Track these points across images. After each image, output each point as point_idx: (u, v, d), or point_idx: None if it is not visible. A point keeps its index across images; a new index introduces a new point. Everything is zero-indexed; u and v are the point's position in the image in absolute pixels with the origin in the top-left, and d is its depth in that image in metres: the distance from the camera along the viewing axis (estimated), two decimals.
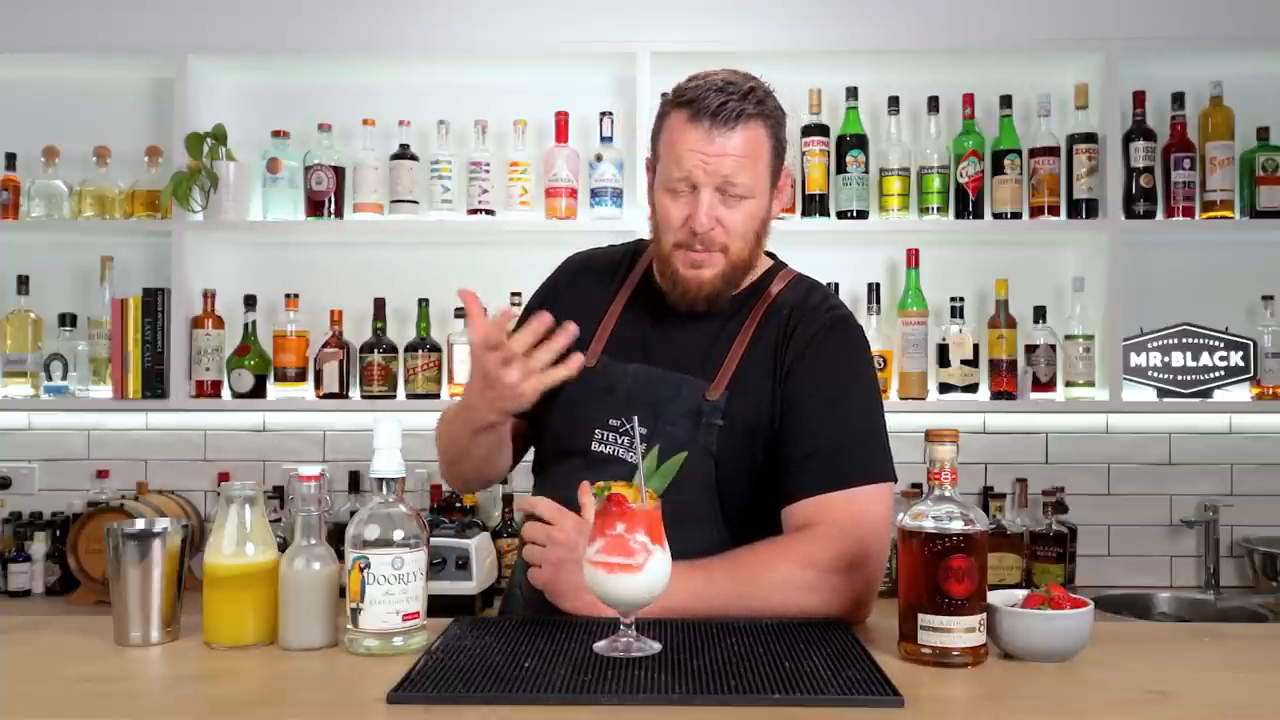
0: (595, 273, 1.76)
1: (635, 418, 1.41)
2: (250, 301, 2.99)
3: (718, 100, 1.51)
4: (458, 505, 2.92)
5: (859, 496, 1.50)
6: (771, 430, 1.56)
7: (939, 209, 2.94)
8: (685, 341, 1.63)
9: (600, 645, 1.26)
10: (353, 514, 1.36)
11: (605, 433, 1.59)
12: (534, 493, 1.62)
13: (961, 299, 2.94)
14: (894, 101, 2.99)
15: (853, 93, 2.98)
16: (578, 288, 1.74)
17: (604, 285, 1.73)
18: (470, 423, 1.58)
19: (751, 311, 1.64)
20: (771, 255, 1.73)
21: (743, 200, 1.55)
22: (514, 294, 2.82)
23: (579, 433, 1.61)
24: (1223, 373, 2.97)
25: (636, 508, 1.25)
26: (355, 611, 1.28)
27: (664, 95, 1.62)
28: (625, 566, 1.23)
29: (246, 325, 2.98)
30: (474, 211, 2.97)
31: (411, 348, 2.96)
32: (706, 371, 1.60)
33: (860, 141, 2.95)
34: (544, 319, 1.48)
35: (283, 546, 1.35)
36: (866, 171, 2.95)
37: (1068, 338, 2.94)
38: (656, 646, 1.25)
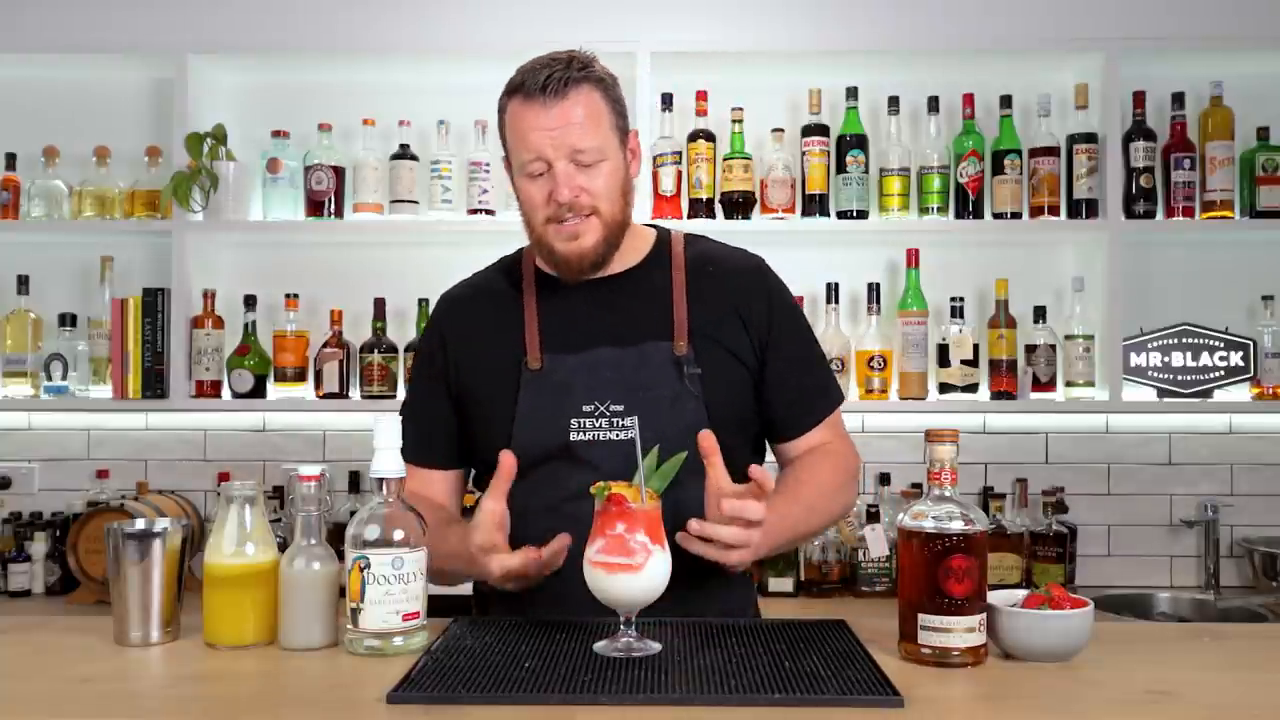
0: (484, 293, 1.75)
1: (635, 420, 1.40)
2: (250, 301, 2.99)
3: (544, 75, 1.56)
4: None
5: (838, 416, 1.75)
6: (753, 375, 1.66)
7: (939, 209, 2.94)
8: (620, 315, 1.65)
9: (600, 645, 1.26)
10: (353, 514, 1.36)
11: (581, 420, 1.59)
12: (511, 502, 1.54)
13: (961, 299, 2.94)
14: (894, 101, 2.99)
15: (853, 93, 2.98)
16: (473, 313, 1.72)
17: (501, 297, 1.72)
18: (457, 577, 1.60)
19: (671, 270, 1.68)
20: (654, 226, 1.78)
21: (598, 164, 1.58)
22: None
23: (551, 431, 1.59)
24: (1223, 373, 2.97)
25: (636, 508, 1.26)
26: (355, 611, 1.28)
27: (500, 96, 1.64)
28: (625, 566, 1.24)
29: (246, 325, 2.98)
30: (474, 211, 2.97)
31: (411, 348, 2.96)
32: (659, 334, 1.63)
33: (860, 141, 2.95)
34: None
35: (283, 546, 1.35)
36: (866, 171, 2.95)
37: (1068, 338, 2.94)
38: (656, 647, 1.25)
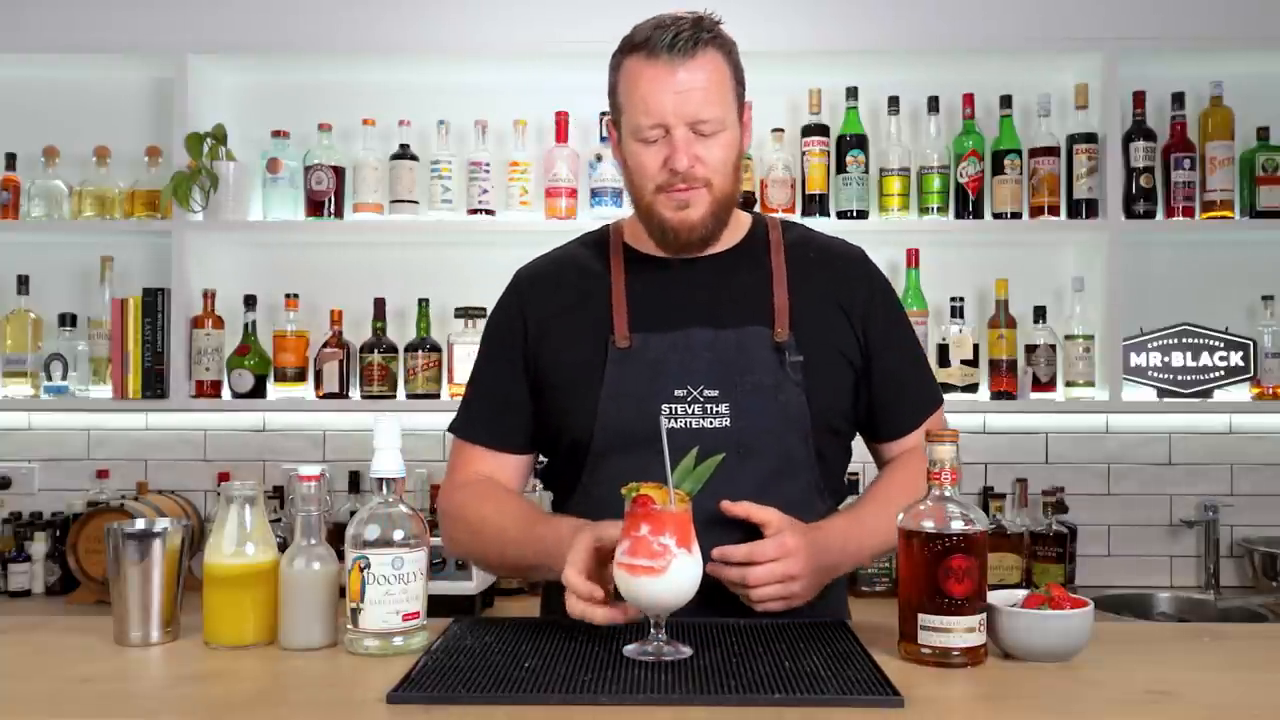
0: (567, 268, 1.66)
1: (665, 423, 1.37)
2: (250, 301, 2.99)
3: (670, 34, 1.48)
4: None
5: (940, 416, 1.69)
6: (855, 366, 1.60)
7: (939, 209, 2.94)
8: (717, 296, 1.58)
9: (630, 649, 1.24)
10: (353, 514, 1.36)
11: (672, 406, 1.51)
12: (591, 490, 1.53)
13: (961, 299, 2.94)
14: (894, 101, 2.99)
15: (853, 93, 2.98)
16: (556, 287, 1.64)
17: (586, 272, 1.64)
18: (535, 574, 1.56)
19: (769, 255, 1.62)
20: (747, 209, 1.73)
21: (716, 134, 1.51)
22: None
23: (640, 414, 1.50)
24: (1223, 373, 2.97)
25: (662, 509, 1.23)
26: (355, 611, 1.28)
27: (614, 53, 1.57)
28: (648, 569, 1.21)
29: (246, 325, 2.98)
30: (474, 211, 2.97)
31: (411, 348, 2.96)
32: (758, 319, 1.56)
33: (860, 141, 2.95)
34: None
35: (283, 546, 1.35)
36: (866, 171, 2.95)
37: (1068, 338, 2.94)
38: (688, 651, 1.24)
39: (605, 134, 2.96)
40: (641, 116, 1.51)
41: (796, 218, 2.94)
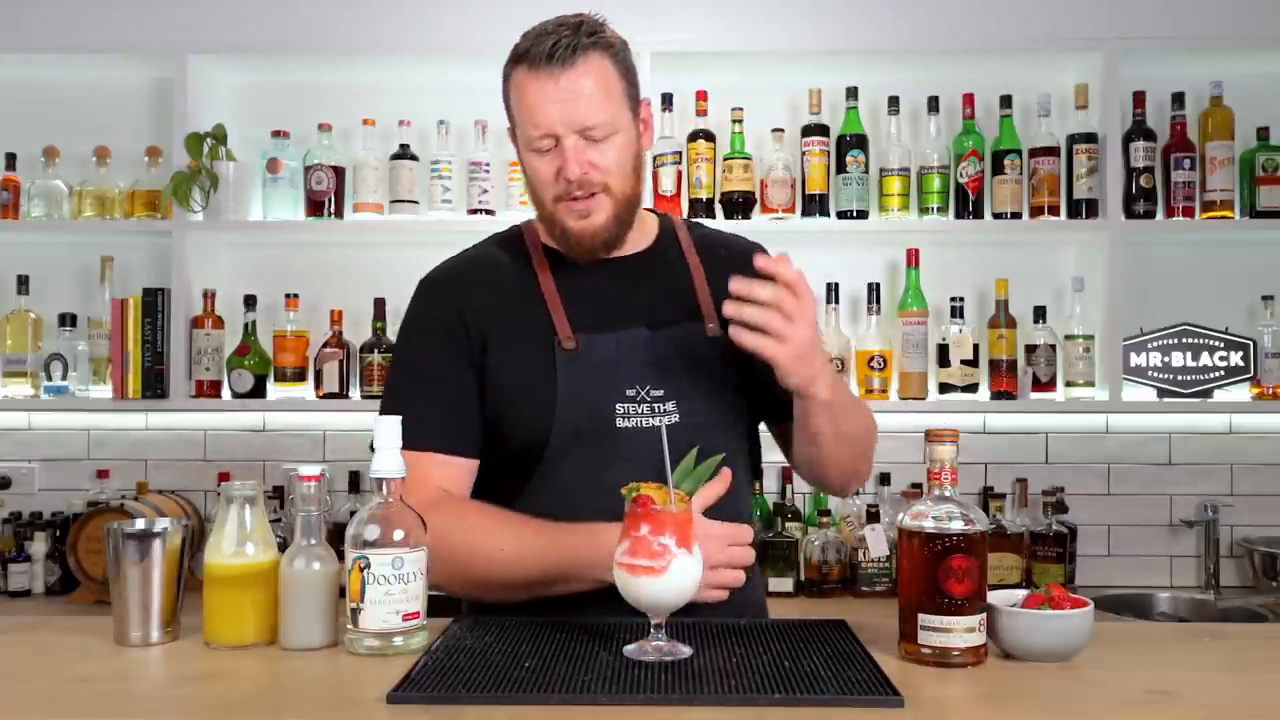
0: (486, 267, 1.63)
1: (664, 427, 1.36)
2: (250, 301, 2.99)
3: (550, 42, 1.47)
4: None
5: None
6: None
7: (939, 209, 2.94)
8: (648, 296, 1.59)
9: (631, 649, 1.24)
10: (353, 514, 1.35)
11: (626, 405, 1.52)
12: (541, 494, 1.51)
13: (961, 299, 2.94)
14: (894, 101, 2.99)
15: (853, 93, 2.98)
16: (484, 286, 1.60)
17: (507, 272, 1.61)
18: (555, 588, 1.47)
19: (682, 254, 1.65)
20: (651, 210, 1.72)
21: (608, 138, 1.50)
22: None
23: (596, 416, 1.51)
24: (1223, 373, 2.97)
25: (662, 510, 1.23)
26: (355, 611, 1.27)
27: (505, 63, 1.55)
28: (648, 569, 1.21)
29: (246, 325, 2.98)
30: (474, 211, 2.97)
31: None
32: (689, 315, 1.59)
33: (860, 141, 2.95)
34: None
35: (283, 546, 1.35)
36: (866, 171, 2.95)
37: (1068, 338, 2.94)
38: (687, 651, 1.24)
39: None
40: (531, 128, 1.50)
41: (797, 218, 2.94)
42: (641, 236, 1.64)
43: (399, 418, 1.33)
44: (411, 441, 1.38)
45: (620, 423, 1.52)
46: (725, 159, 2.95)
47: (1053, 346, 2.94)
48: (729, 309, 1.39)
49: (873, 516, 2.85)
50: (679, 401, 1.53)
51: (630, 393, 1.53)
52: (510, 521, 1.48)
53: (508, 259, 1.64)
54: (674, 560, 1.22)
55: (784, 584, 2.84)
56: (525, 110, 1.51)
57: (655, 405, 1.53)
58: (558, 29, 1.49)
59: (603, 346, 1.54)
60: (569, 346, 1.53)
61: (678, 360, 1.55)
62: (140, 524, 1.37)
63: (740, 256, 1.66)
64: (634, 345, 1.55)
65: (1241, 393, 2.99)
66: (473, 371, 1.56)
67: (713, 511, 1.43)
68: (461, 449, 1.55)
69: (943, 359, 2.93)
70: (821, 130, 2.95)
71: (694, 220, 1.78)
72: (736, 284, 1.38)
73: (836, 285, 2.98)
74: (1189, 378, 2.97)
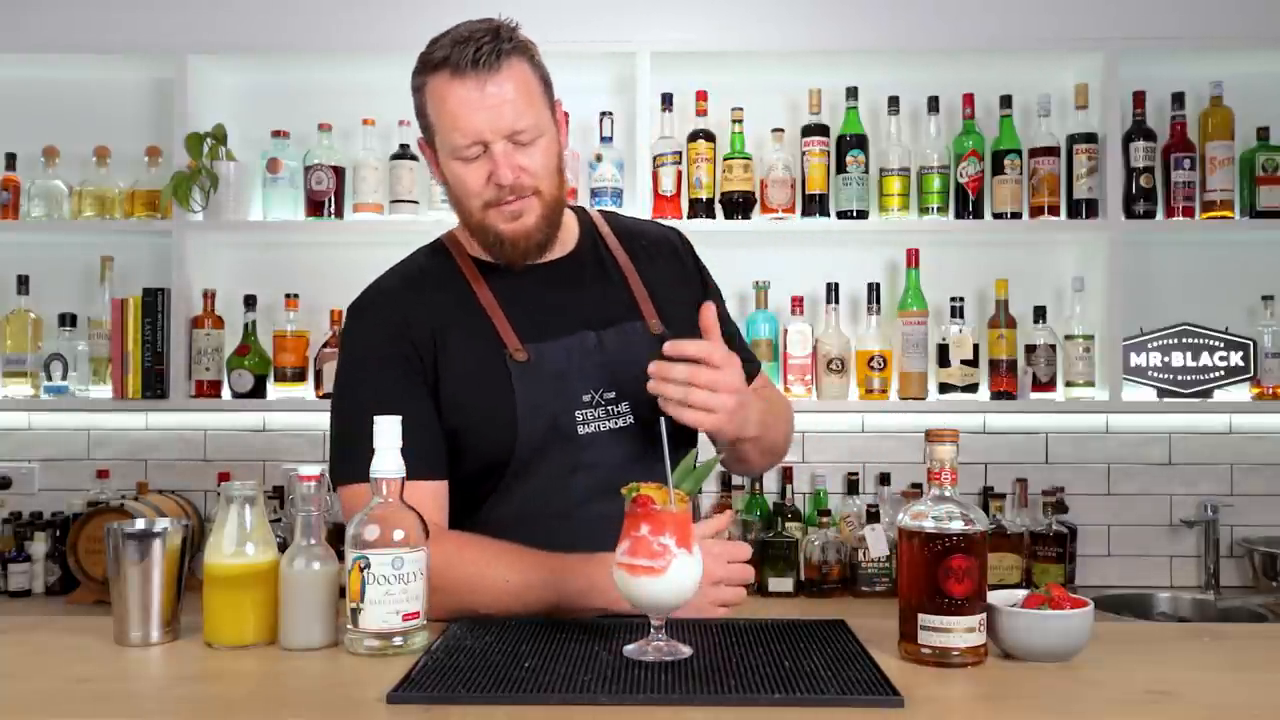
0: (422, 284, 1.60)
1: (664, 421, 1.35)
2: (250, 301, 2.99)
3: (471, 49, 1.46)
4: None
5: (766, 377, 1.79)
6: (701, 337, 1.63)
7: (939, 209, 2.94)
8: (586, 298, 1.60)
9: (630, 649, 1.24)
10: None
11: (583, 411, 1.53)
12: (510, 497, 1.52)
13: (961, 299, 2.94)
14: (894, 101, 2.99)
15: (853, 93, 2.98)
16: (426, 303, 1.57)
17: (444, 285, 1.59)
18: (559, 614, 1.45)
19: (609, 251, 1.66)
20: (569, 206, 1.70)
21: (535, 141, 1.50)
22: None
23: (556, 425, 1.51)
24: (1223, 373, 2.97)
25: (661, 510, 1.23)
26: (355, 611, 1.27)
27: (415, 72, 1.54)
28: (648, 569, 1.21)
29: (246, 325, 2.98)
30: None
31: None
32: (629, 314, 1.60)
33: (860, 141, 2.95)
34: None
35: (283, 546, 1.35)
36: (866, 171, 2.95)
37: (1068, 338, 2.94)
38: (687, 651, 1.24)
39: (607, 135, 2.96)
40: (457, 136, 1.48)
41: (797, 219, 2.94)
42: (567, 236, 1.64)
43: (397, 418, 1.32)
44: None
45: (581, 429, 1.52)
46: (725, 159, 2.95)
47: (1053, 346, 2.94)
48: (651, 388, 1.42)
49: (873, 516, 2.85)
50: (632, 403, 1.53)
51: (585, 398, 1.53)
52: (508, 552, 1.47)
53: (440, 272, 1.61)
54: (674, 560, 1.22)
55: (784, 584, 2.84)
56: (448, 118, 1.49)
57: (610, 408, 1.54)
58: (473, 36, 1.48)
59: (553, 355, 1.54)
60: (520, 358, 1.52)
61: (625, 361, 1.55)
62: (140, 524, 1.37)
63: (658, 243, 1.70)
64: (583, 350, 1.55)
65: (1241, 393, 2.99)
66: (426, 389, 1.53)
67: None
68: (430, 471, 1.51)
69: (943, 359, 2.93)
70: (821, 130, 2.95)
71: (607, 211, 1.77)
72: (654, 367, 1.42)
73: (836, 285, 2.98)
74: (1189, 378, 2.97)
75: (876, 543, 2.80)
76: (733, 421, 1.45)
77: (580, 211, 1.72)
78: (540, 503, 1.51)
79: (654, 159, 2.92)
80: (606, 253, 1.66)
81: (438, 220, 2.96)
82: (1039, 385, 2.92)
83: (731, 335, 1.70)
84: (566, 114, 1.54)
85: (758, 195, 2.97)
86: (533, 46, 1.54)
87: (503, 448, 1.51)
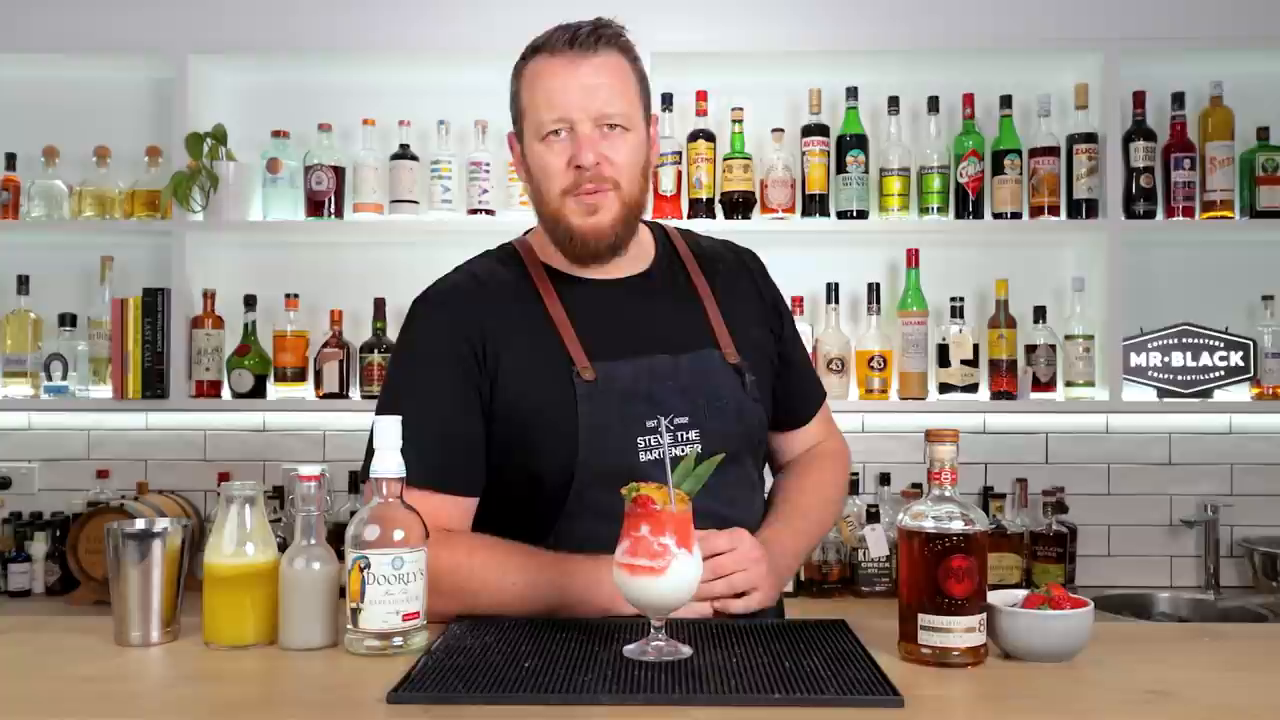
0: (494, 289, 1.54)
1: (662, 420, 1.37)
2: (250, 301, 2.99)
3: (569, 33, 1.46)
4: None
5: (827, 406, 1.76)
6: (775, 367, 1.64)
7: (939, 209, 2.94)
8: (662, 319, 1.55)
9: (630, 649, 1.24)
10: (353, 514, 1.35)
11: (647, 438, 1.47)
12: (574, 529, 1.47)
13: (961, 299, 2.94)
14: (894, 101, 2.99)
15: (853, 93, 2.98)
16: (496, 308, 1.52)
17: (515, 292, 1.53)
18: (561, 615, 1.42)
19: (687, 272, 1.61)
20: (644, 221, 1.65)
21: (624, 133, 1.46)
22: None
23: (618, 451, 1.45)
24: (1223, 373, 2.97)
25: (662, 509, 1.23)
26: (355, 611, 1.27)
27: (513, 71, 1.53)
28: (648, 569, 1.21)
29: (246, 325, 2.98)
30: (474, 211, 2.97)
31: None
32: (705, 340, 1.55)
33: (860, 141, 2.95)
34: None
35: (283, 546, 1.35)
36: (866, 171, 2.95)
37: (1068, 338, 2.94)
38: (687, 651, 1.23)
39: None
40: (544, 112, 1.45)
41: (797, 218, 2.94)
42: (642, 251, 1.59)
43: (398, 418, 1.32)
44: (415, 477, 1.33)
45: (643, 456, 1.46)
46: (725, 159, 2.95)
47: (1053, 346, 2.94)
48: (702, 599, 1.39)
49: (873, 516, 2.85)
50: (701, 429, 1.49)
51: (650, 424, 1.46)
52: (516, 553, 1.45)
53: (511, 278, 1.55)
54: (674, 560, 1.22)
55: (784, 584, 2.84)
56: (540, 95, 1.46)
57: (679, 434, 1.48)
58: (573, 25, 1.48)
59: (623, 376, 1.48)
60: (588, 378, 1.46)
61: (703, 388, 1.51)
62: (140, 524, 1.36)
63: (735, 268, 1.66)
64: (655, 373, 1.49)
65: (1241, 393, 2.99)
66: (480, 403, 1.48)
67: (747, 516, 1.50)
68: (464, 488, 1.49)
69: (943, 359, 2.93)
70: (821, 130, 2.95)
71: (685, 230, 1.71)
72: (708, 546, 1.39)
73: (836, 285, 2.98)
74: (1189, 378, 2.97)
75: (876, 543, 2.81)
76: (775, 585, 1.48)
77: (656, 228, 1.66)
78: (600, 536, 1.35)
79: None
80: (683, 273, 1.60)
81: (438, 220, 2.97)
82: (1039, 385, 2.92)
83: (803, 361, 1.72)
84: (659, 132, 1.49)
85: (758, 195, 2.97)
86: (634, 49, 1.52)
87: (563, 473, 1.46)
